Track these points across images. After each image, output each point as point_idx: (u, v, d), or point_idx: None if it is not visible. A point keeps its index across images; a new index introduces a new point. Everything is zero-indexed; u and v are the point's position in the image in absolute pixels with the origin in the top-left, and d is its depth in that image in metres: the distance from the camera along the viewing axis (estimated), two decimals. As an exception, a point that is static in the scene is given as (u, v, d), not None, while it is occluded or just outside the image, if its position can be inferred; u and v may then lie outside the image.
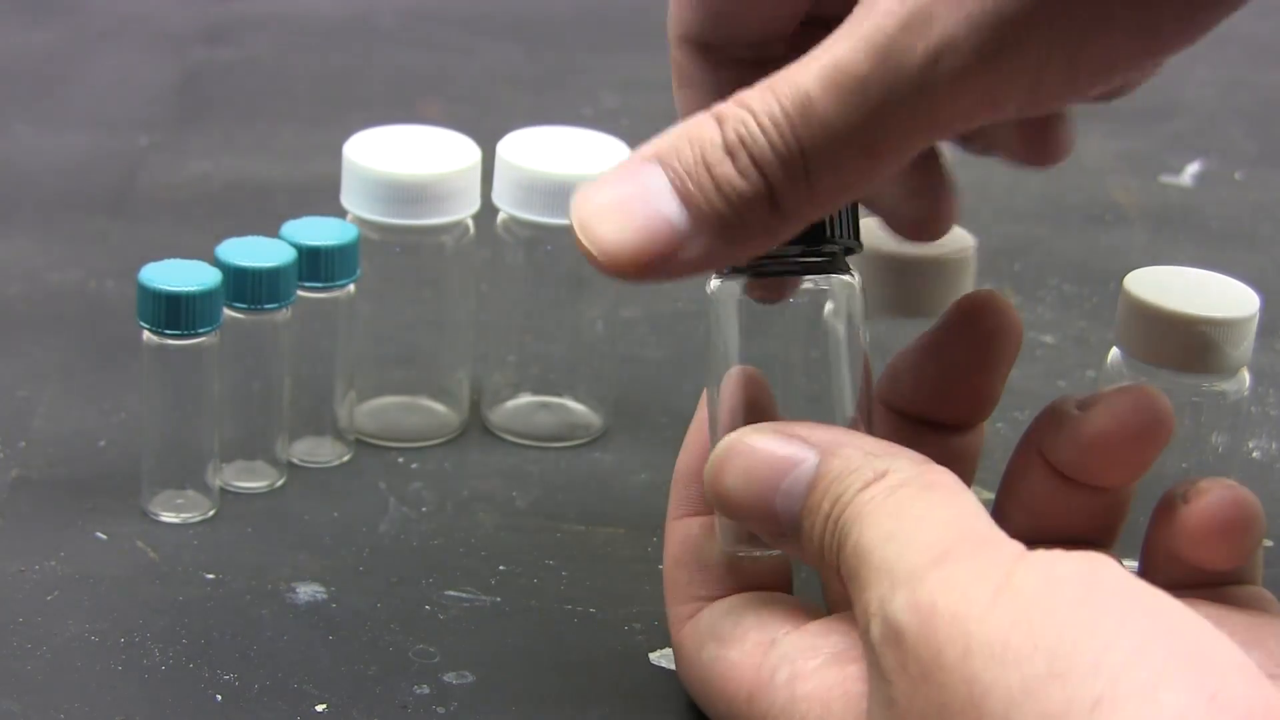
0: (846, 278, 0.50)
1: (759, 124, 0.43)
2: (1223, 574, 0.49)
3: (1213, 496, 0.48)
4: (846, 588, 0.46)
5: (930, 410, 0.52)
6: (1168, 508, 0.49)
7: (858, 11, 0.43)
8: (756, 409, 0.50)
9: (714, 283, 0.50)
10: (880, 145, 0.43)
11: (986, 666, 0.40)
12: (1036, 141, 0.50)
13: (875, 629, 0.43)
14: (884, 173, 0.44)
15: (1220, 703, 0.38)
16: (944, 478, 0.46)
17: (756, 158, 0.43)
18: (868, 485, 0.46)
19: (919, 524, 0.44)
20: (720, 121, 0.44)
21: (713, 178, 0.43)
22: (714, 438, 0.50)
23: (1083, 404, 0.49)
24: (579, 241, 0.45)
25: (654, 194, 0.44)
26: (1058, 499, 0.50)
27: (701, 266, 0.45)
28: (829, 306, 0.49)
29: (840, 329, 0.49)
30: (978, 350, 0.52)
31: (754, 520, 0.48)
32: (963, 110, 0.42)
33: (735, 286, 0.50)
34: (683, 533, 0.52)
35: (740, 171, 0.43)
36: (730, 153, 0.43)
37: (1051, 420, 0.50)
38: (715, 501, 0.49)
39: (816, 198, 0.44)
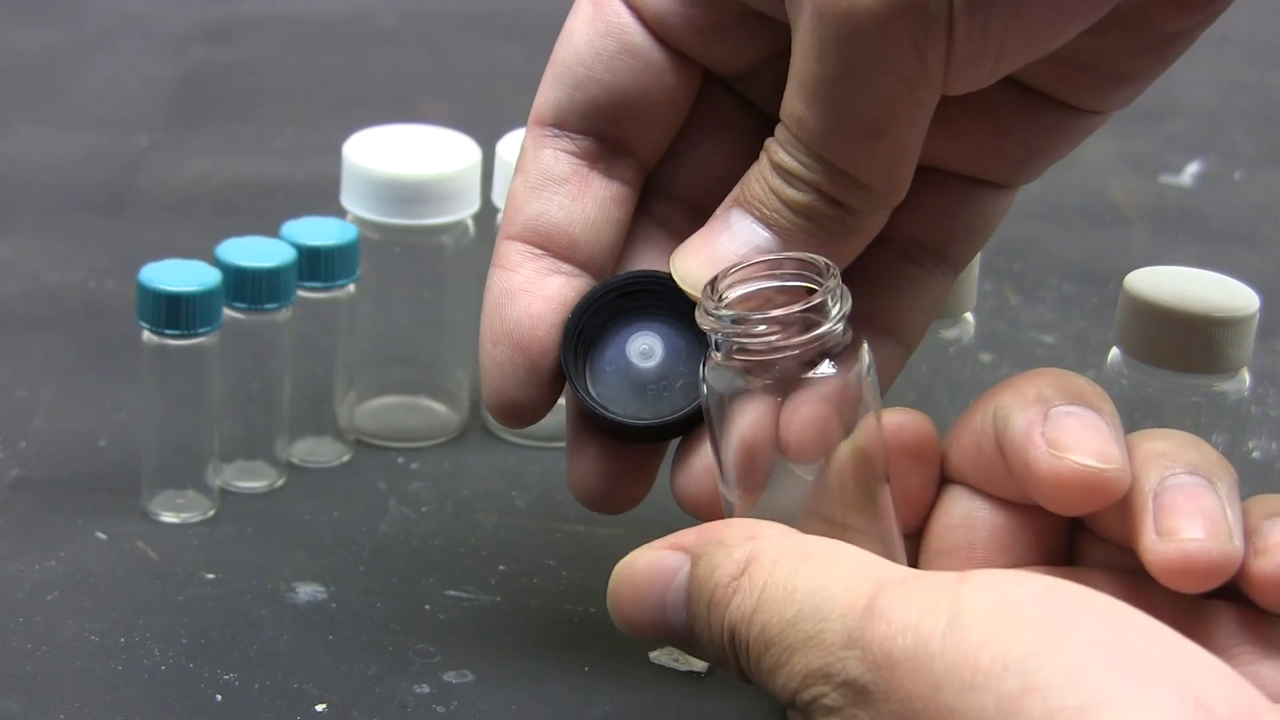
0: (862, 358, 0.48)
1: (785, 150, 0.48)
2: None
3: (1277, 559, 0.46)
4: (752, 681, 0.45)
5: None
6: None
7: (798, 25, 0.47)
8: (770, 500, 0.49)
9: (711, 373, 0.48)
10: (875, 119, 0.46)
11: (959, 696, 0.40)
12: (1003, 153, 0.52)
13: (834, 697, 0.43)
14: (908, 141, 0.47)
15: (1206, 704, 0.38)
16: (813, 544, 0.45)
17: (797, 175, 0.48)
18: (734, 580, 0.45)
19: (823, 590, 0.43)
20: (767, 152, 0.48)
21: (780, 199, 0.48)
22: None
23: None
24: (690, 295, 0.48)
25: (741, 231, 0.48)
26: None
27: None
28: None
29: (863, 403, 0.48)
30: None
31: (657, 637, 0.48)
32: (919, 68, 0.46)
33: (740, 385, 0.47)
34: None
35: (795, 188, 0.48)
36: (781, 175, 0.48)
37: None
38: (622, 626, 0.49)
39: (869, 187, 0.47)
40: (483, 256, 0.68)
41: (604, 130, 0.51)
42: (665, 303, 0.50)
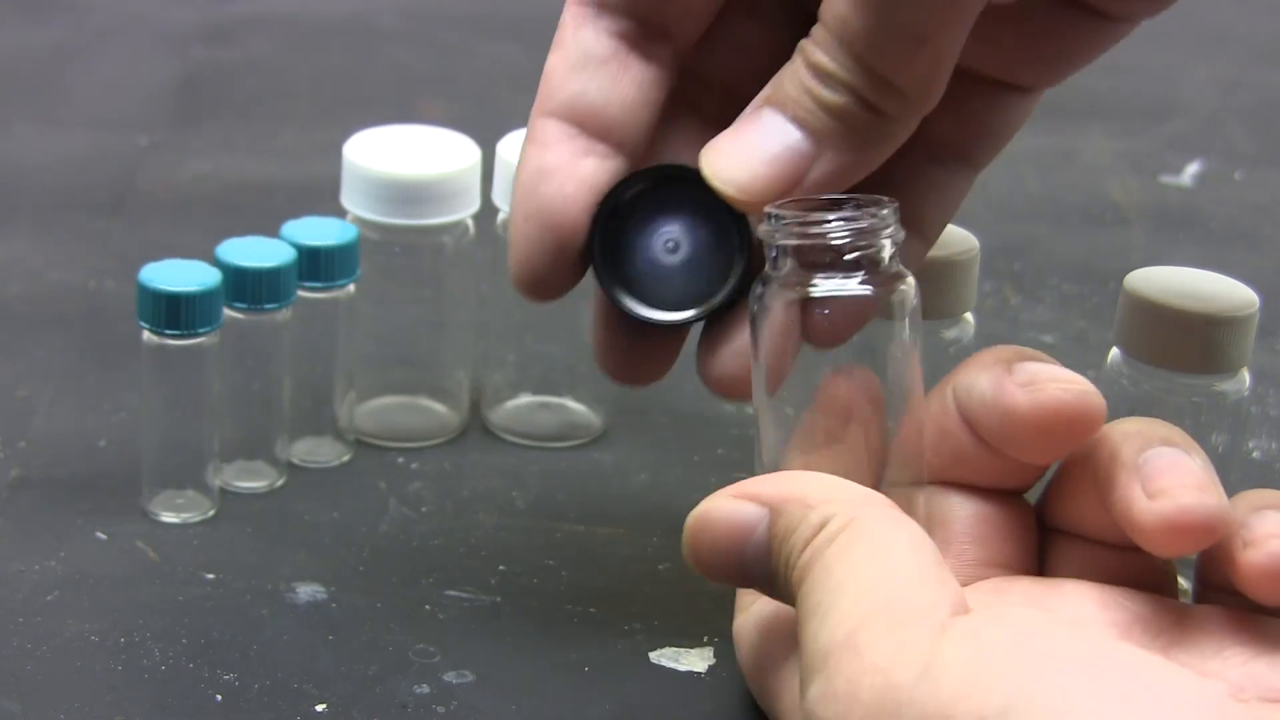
0: (904, 287, 0.49)
1: (823, 51, 0.48)
2: None
3: (1265, 551, 0.46)
4: None
5: (996, 445, 0.51)
6: (1225, 538, 0.47)
7: None
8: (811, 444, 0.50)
9: (763, 290, 0.49)
10: (921, 26, 0.47)
11: None
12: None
13: (802, 711, 0.43)
14: (948, 50, 0.47)
15: None
16: (879, 524, 0.45)
17: (835, 76, 0.48)
18: (808, 544, 0.46)
19: (841, 589, 0.44)
20: (802, 52, 0.48)
21: (815, 100, 0.48)
22: (759, 462, 0.50)
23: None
24: (719, 191, 0.49)
25: (773, 129, 0.49)
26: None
27: (837, 181, 0.49)
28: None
29: (901, 341, 0.49)
30: (1049, 435, 0.49)
31: (742, 585, 0.49)
32: None
33: (789, 300, 0.49)
34: None
35: (831, 89, 0.48)
36: (818, 77, 0.48)
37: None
38: (701, 573, 0.49)
39: (906, 94, 0.48)
40: (483, 256, 0.68)
41: (645, 12, 0.50)
42: (693, 197, 0.50)
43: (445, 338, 0.68)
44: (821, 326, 0.49)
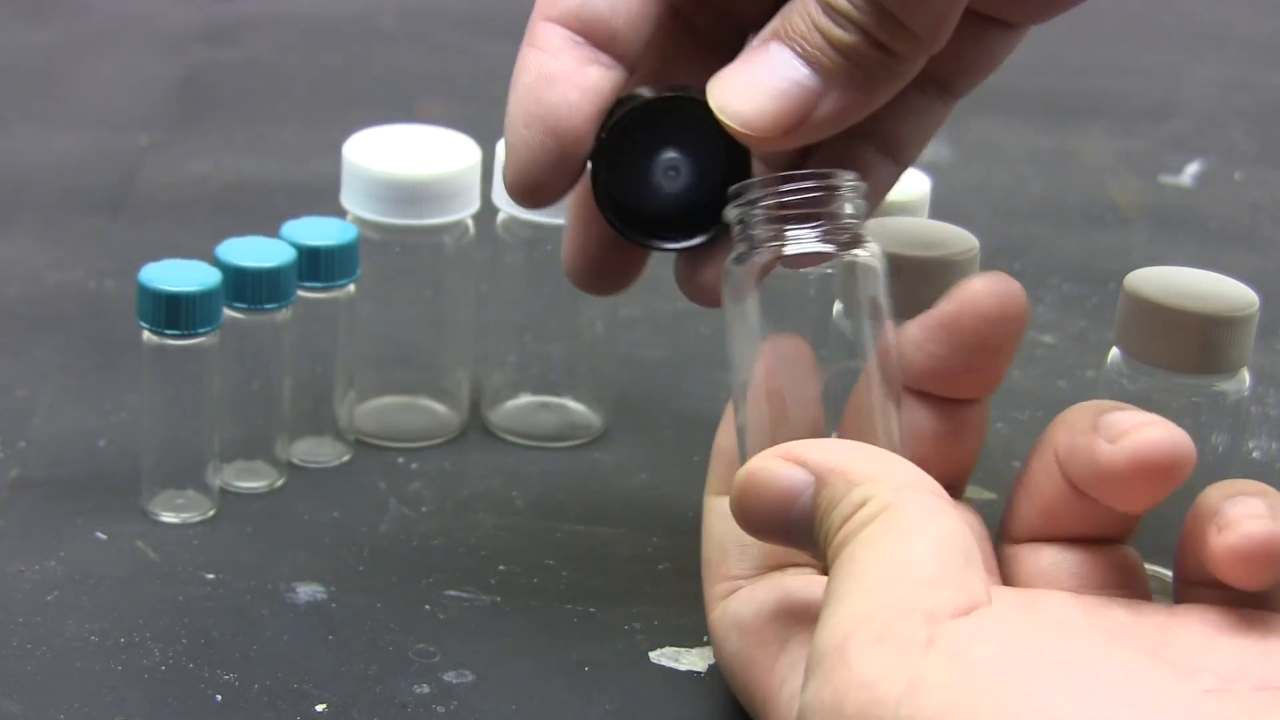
0: (865, 254, 0.50)
1: None
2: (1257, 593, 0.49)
3: (1239, 532, 0.46)
4: None
5: (935, 388, 0.52)
6: (1199, 520, 0.48)
7: None
8: (783, 416, 0.50)
9: (732, 265, 0.50)
10: None
11: None
12: None
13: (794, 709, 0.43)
14: None
15: None
16: (911, 514, 0.45)
17: (847, 15, 0.48)
18: (846, 521, 0.46)
19: (853, 583, 0.44)
20: None
21: (825, 37, 0.48)
22: (742, 446, 0.50)
23: (1105, 430, 0.48)
24: (724, 124, 0.49)
25: (781, 64, 0.49)
26: (1072, 506, 0.50)
27: (842, 118, 0.49)
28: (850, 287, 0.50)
29: (864, 309, 0.50)
30: (982, 333, 0.51)
31: (789, 545, 0.49)
32: None
33: (756, 265, 0.50)
34: (721, 509, 0.52)
35: (842, 28, 0.48)
36: (829, 14, 0.48)
37: (1072, 436, 0.49)
38: (747, 532, 0.49)
39: (917, 34, 0.48)
40: (483, 256, 0.68)
41: None
42: (697, 123, 0.50)
43: (445, 338, 0.68)
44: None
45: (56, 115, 0.95)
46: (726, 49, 0.52)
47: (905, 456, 0.49)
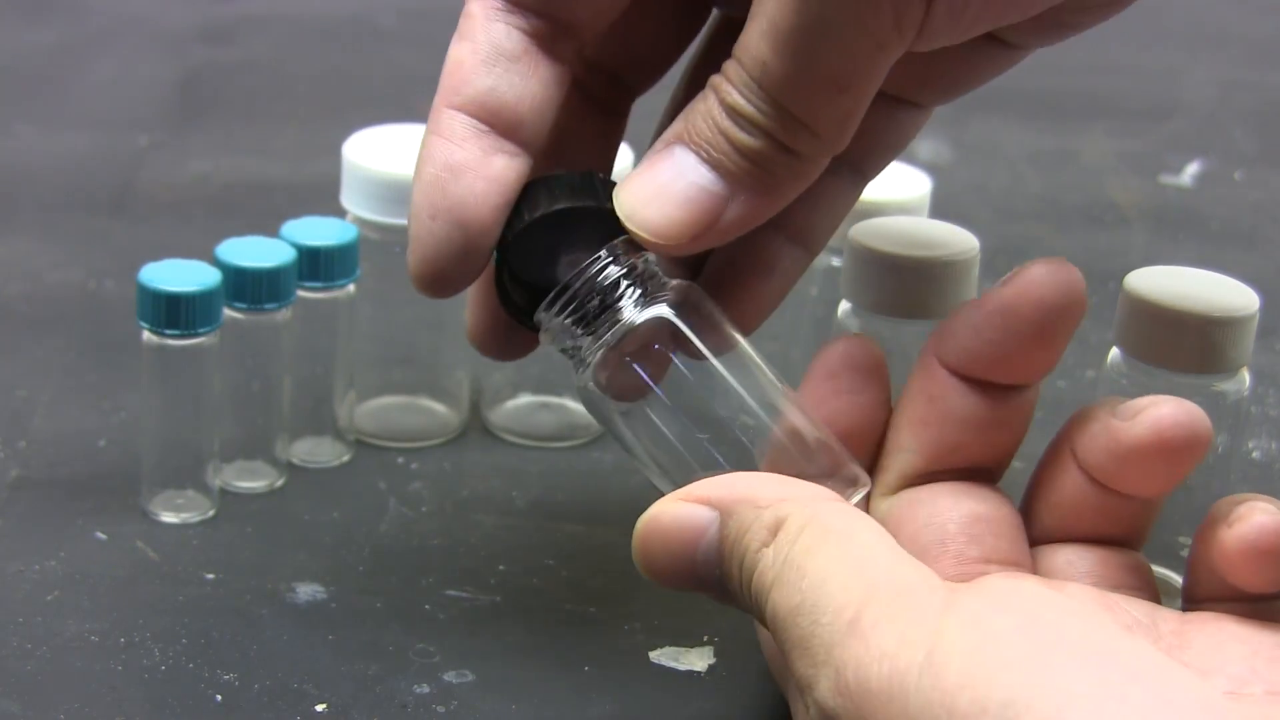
0: (661, 310, 0.50)
1: (739, 93, 0.47)
2: (1266, 594, 0.49)
3: (1252, 523, 0.46)
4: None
5: (986, 373, 0.51)
6: (1211, 527, 0.48)
7: None
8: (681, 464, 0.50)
9: (585, 384, 0.50)
10: (844, 74, 0.46)
11: None
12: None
13: (812, 712, 0.43)
14: (867, 94, 0.47)
15: None
16: (837, 519, 0.45)
17: (751, 119, 0.47)
18: (764, 546, 0.45)
19: (824, 584, 0.43)
20: (716, 90, 0.48)
21: (729, 141, 0.48)
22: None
23: (1122, 413, 0.49)
24: (632, 233, 0.49)
25: (686, 170, 0.48)
26: (1089, 503, 0.50)
27: (749, 222, 0.48)
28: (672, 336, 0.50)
29: (699, 346, 0.50)
30: (1040, 320, 0.50)
31: (694, 589, 0.48)
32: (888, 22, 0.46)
33: (593, 388, 0.50)
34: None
35: (746, 132, 0.47)
36: (732, 118, 0.47)
37: (1087, 426, 0.49)
38: (652, 578, 0.49)
39: (822, 136, 0.47)
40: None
41: (556, 11, 0.50)
42: (602, 223, 0.50)
43: (445, 338, 0.68)
44: (629, 373, 0.50)
45: (57, 115, 0.95)
46: (618, 114, 0.54)
47: (831, 436, 0.49)
